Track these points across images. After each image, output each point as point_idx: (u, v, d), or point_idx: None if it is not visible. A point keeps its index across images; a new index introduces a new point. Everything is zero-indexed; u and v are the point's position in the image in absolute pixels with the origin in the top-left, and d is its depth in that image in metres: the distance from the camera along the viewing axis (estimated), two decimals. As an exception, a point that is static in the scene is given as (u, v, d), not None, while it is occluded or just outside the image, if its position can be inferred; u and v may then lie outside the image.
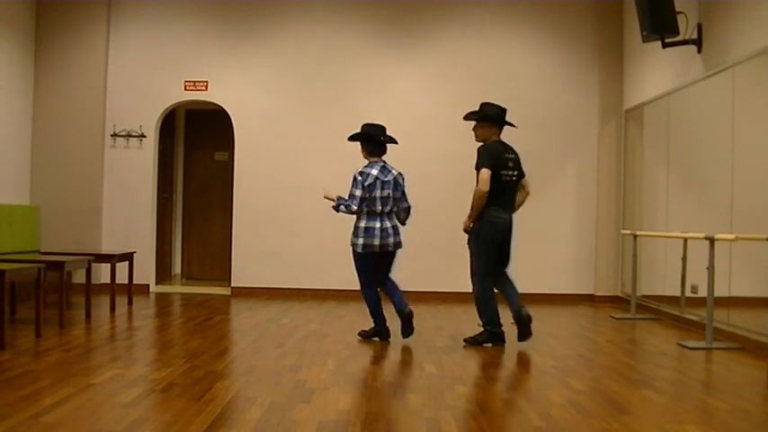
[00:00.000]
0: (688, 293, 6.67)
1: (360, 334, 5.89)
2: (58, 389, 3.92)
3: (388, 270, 5.92)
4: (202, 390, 4.01)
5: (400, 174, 5.93)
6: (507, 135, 8.94)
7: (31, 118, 8.58)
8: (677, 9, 6.51)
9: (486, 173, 5.44)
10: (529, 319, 5.55)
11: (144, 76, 8.80)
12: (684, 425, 3.50)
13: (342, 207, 5.74)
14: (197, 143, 10.22)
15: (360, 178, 5.71)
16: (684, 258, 6.64)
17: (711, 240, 5.61)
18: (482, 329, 5.64)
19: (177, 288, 9.27)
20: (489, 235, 5.58)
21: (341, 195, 5.78)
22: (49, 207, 8.46)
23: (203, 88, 8.84)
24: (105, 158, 8.76)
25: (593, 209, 8.75)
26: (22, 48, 8.38)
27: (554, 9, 8.81)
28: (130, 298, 7.73)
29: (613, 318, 7.34)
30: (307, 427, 3.37)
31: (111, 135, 8.76)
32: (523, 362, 5.03)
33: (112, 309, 7.14)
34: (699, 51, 6.63)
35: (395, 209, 5.88)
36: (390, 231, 5.78)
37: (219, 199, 9.87)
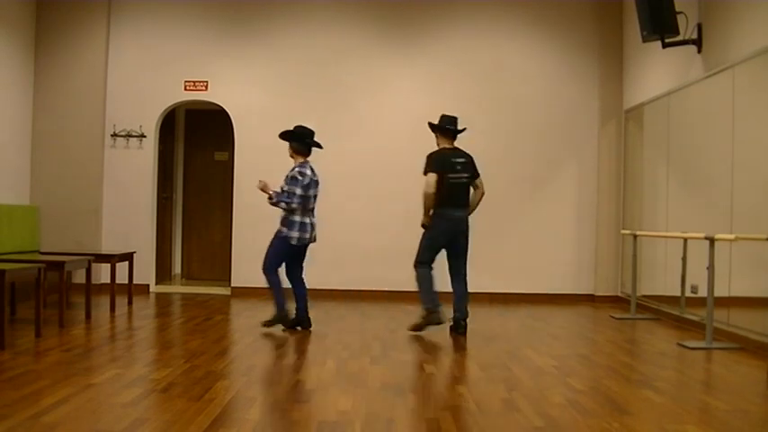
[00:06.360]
0: (688, 293, 6.67)
1: (264, 324, 6.18)
2: (58, 389, 3.92)
3: (302, 263, 6.38)
4: (202, 390, 4.01)
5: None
6: (509, 136, 8.99)
7: (31, 118, 8.58)
8: (677, 9, 6.51)
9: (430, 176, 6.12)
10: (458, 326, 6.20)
11: (144, 76, 8.80)
12: (684, 425, 3.50)
13: (282, 204, 6.17)
14: (197, 143, 10.22)
15: (300, 179, 6.16)
16: (684, 258, 6.64)
17: (711, 240, 5.61)
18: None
19: (177, 288, 9.27)
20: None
21: (276, 191, 6.20)
22: (49, 207, 8.45)
23: (203, 88, 8.85)
24: (105, 158, 8.76)
25: (594, 209, 8.75)
26: (23, 48, 8.37)
27: (554, 9, 8.81)
28: (130, 298, 7.73)
29: (613, 318, 7.34)
30: (307, 427, 3.37)
31: (111, 135, 8.76)
32: (523, 362, 5.03)
33: (112, 309, 7.14)
34: (699, 51, 6.63)
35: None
36: (315, 226, 6.35)
37: (219, 199, 9.87)
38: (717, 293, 5.65)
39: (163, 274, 9.59)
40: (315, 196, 6.31)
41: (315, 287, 8.63)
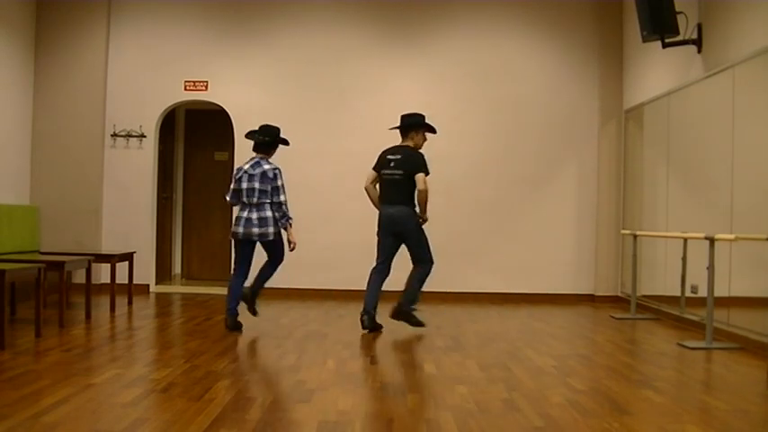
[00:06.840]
0: (688, 293, 6.67)
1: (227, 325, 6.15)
2: (58, 389, 3.92)
3: (273, 259, 6.28)
4: (202, 390, 4.01)
5: (274, 169, 6.17)
6: (509, 136, 8.98)
7: (31, 118, 8.58)
8: (677, 9, 6.51)
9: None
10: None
11: (144, 76, 8.80)
12: (684, 425, 3.50)
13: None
14: (197, 143, 10.22)
15: (234, 172, 6.29)
16: (684, 258, 6.64)
17: (711, 240, 5.61)
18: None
19: (177, 288, 9.27)
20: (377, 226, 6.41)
21: None
22: (49, 207, 8.46)
23: (203, 88, 8.85)
24: (105, 158, 8.76)
25: (594, 209, 8.75)
26: (23, 48, 8.37)
27: (554, 9, 8.81)
28: (130, 298, 7.73)
29: (613, 318, 7.34)
30: (307, 427, 3.37)
31: (111, 135, 8.77)
32: (523, 362, 5.03)
33: (112, 309, 7.14)
34: (699, 51, 6.63)
35: (268, 201, 6.09)
36: (256, 222, 6.05)
37: (219, 199, 9.82)
38: (717, 293, 5.66)
39: (163, 274, 9.59)
40: (250, 189, 6.05)
41: (315, 287, 8.70)
